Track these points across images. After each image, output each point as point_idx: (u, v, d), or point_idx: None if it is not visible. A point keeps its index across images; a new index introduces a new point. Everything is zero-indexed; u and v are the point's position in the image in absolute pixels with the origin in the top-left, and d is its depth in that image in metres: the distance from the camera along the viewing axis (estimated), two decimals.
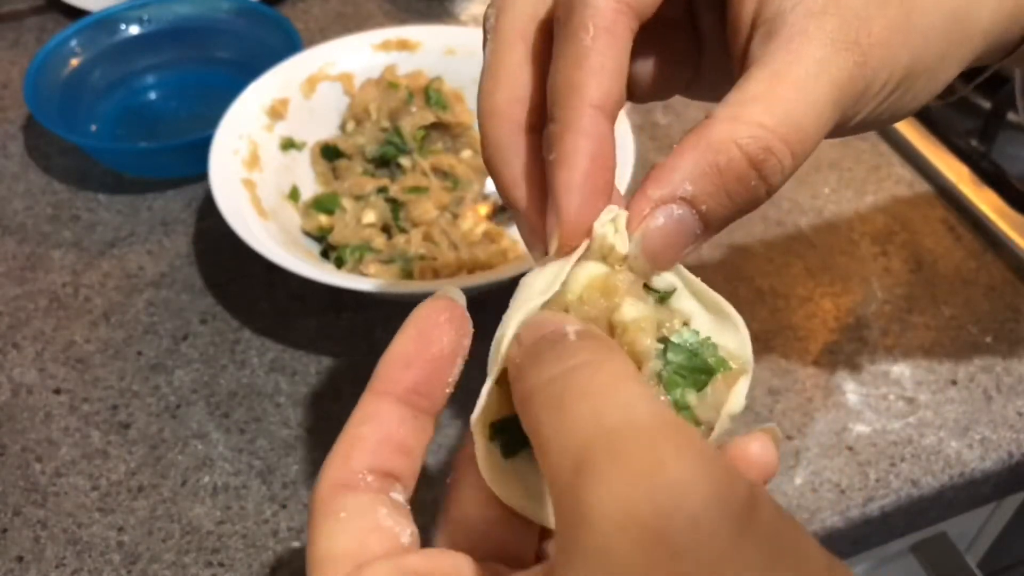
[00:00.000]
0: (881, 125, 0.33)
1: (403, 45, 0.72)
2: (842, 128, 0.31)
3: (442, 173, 0.68)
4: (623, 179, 0.60)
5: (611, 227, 0.28)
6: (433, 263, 0.61)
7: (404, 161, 0.69)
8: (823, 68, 0.28)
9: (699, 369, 0.28)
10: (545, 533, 0.30)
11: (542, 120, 0.30)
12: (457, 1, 0.93)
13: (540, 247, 0.30)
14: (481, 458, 0.27)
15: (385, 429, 0.27)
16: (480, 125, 0.31)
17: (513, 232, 0.67)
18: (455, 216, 0.65)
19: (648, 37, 0.34)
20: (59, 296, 0.65)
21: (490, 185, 0.69)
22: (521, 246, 0.65)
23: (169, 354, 0.61)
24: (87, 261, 0.67)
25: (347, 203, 0.65)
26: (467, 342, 0.28)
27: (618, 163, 0.30)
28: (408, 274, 0.60)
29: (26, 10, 0.91)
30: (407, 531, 0.26)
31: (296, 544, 0.51)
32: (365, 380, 0.28)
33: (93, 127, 0.76)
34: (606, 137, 0.28)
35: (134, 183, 0.73)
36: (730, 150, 0.27)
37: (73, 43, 0.78)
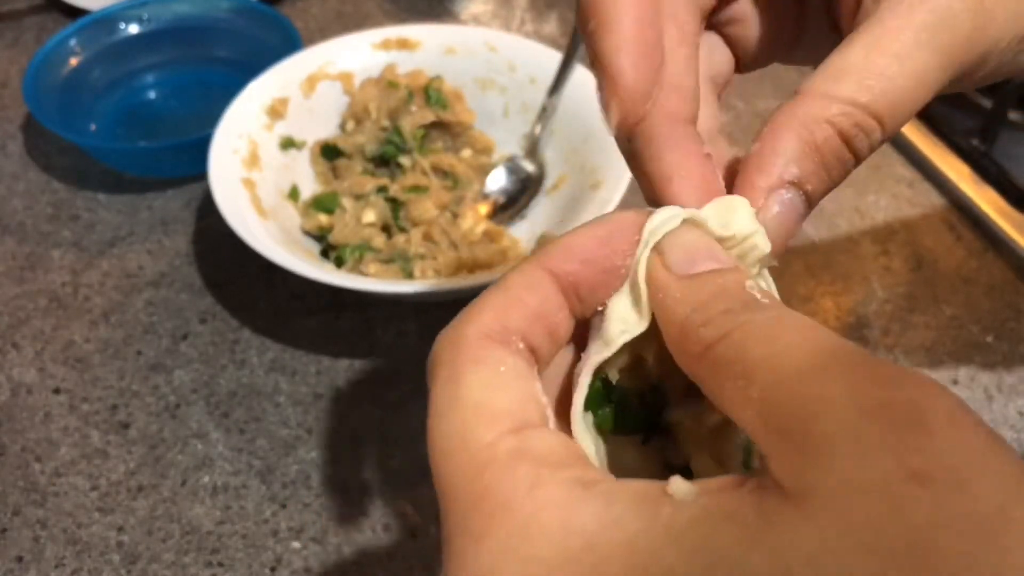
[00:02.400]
0: (1014, 75, 0.31)
1: (403, 44, 0.72)
2: (962, 83, 0.29)
3: (442, 172, 0.68)
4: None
5: (752, 225, 0.26)
6: (433, 263, 0.61)
7: (404, 160, 0.68)
8: (933, 34, 0.26)
9: None
10: None
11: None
12: (457, 0, 0.93)
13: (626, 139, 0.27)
14: (577, 409, 0.25)
15: (547, 305, 0.25)
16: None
17: (513, 231, 0.67)
18: (455, 215, 0.65)
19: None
20: (59, 296, 0.65)
21: (490, 184, 0.69)
22: (521, 245, 0.65)
23: (168, 354, 0.61)
24: (87, 261, 0.67)
25: (347, 202, 0.65)
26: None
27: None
28: (408, 274, 0.60)
29: (26, 9, 0.91)
30: (551, 421, 0.23)
31: (296, 544, 0.51)
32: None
33: (93, 126, 0.76)
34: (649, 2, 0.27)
35: (134, 183, 0.73)
36: (824, 129, 0.27)
37: (73, 42, 0.78)
